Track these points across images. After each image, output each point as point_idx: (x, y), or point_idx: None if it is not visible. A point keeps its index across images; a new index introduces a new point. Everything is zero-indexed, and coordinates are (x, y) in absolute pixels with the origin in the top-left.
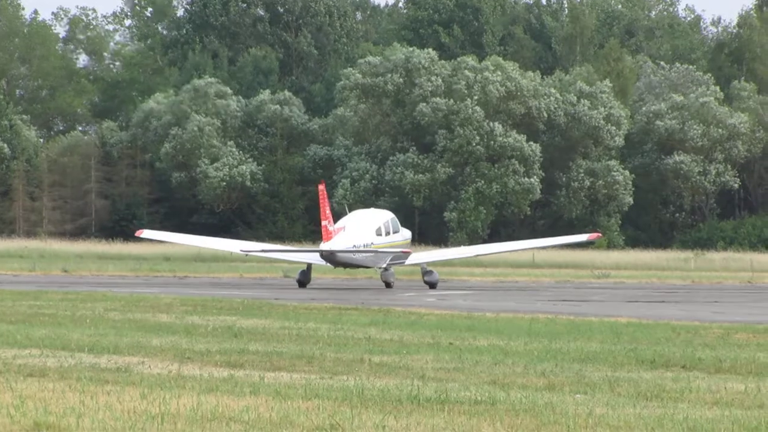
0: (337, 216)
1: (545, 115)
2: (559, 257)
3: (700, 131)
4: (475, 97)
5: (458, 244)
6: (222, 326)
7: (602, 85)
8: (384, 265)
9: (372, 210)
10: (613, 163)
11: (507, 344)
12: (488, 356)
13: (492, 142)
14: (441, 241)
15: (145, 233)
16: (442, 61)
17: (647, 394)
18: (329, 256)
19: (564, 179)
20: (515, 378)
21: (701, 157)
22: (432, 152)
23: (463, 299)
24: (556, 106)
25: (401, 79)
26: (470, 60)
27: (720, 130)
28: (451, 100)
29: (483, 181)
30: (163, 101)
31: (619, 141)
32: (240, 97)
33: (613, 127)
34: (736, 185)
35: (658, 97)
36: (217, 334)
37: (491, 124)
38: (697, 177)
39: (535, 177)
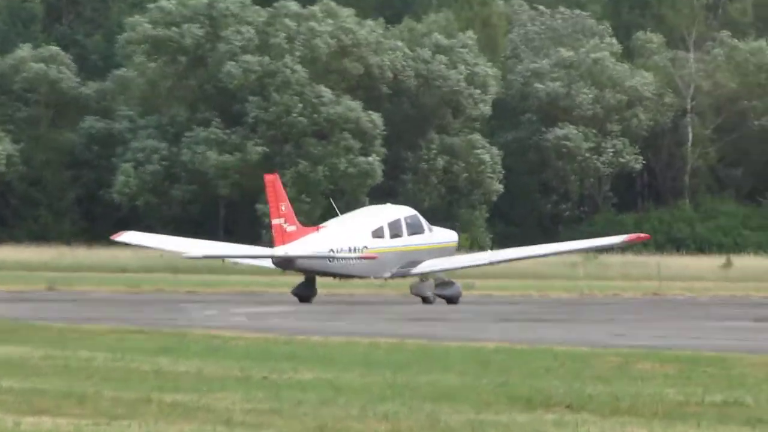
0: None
1: (390, 75)
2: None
3: (591, 96)
4: (298, 54)
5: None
6: None
7: (464, 37)
8: (388, 275)
9: (385, 206)
10: (477, 137)
11: (338, 378)
12: (314, 394)
13: (318, 113)
14: (252, 240)
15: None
16: (256, 7)
17: None
18: (283, 263)
19: (413, 159)
20: (350, 422)
21: (593, 129)
22: (242, 125)
23: (282, 318)
24: (404, 64)
25: (202, 31)
26: (292, 5)
27: (618, 95)
28: (267, 58)
29: (307, 162)
30: None
31: (486, 109)
32: None
33: (478, 91)
34: (639, 166)
35: (537, 53)
36: None
37: (319, 88)
38: (588, 156)
39: (375, 156)
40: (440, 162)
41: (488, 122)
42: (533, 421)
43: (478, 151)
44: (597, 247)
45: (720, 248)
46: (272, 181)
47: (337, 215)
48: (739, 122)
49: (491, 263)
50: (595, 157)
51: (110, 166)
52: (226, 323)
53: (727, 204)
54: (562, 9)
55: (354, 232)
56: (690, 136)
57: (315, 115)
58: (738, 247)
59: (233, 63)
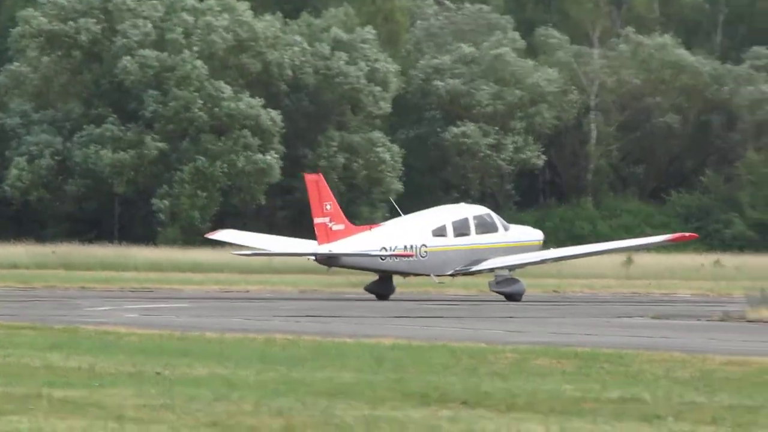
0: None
1: (289, 72)
2: (301, 259)
3: (491, 92)
4: (196, 49)
5: (171, 241)
6: None
7: (364, 32)
8: (450, 272)
9: (456, 205)
10: (377, 135)
11: (233, 374)
12: (208, 390)
13: (218, 108)
14: (148, 238)
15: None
16: (154, 1)
17: None
18: (326, 260)
19: (312, 157)
20: (243, 418)
21: (495, 127)
22: (138, 121)
23: (176, 314)
24: (303, 59)
25: (99, 26)
26: None
27: (519, 92)
28: (165, 53)
29: (206, 159)
30: None
31: (386, 106)
32: None
33: (378, 88)
34: (540, 163)
35: (440, 48)
36: None
37: (217, 83)
38: (488, 153)
39: (273, 153)
40: (340, 160)
41: (389, 120)
42: (428, 417)
43: (379, 149)
44: (644, 245)
45: None
46: (315, 180)
47: (399, 214)
48: (642, 119)
49: (543, 261)
50: (496, 154)
51: (3, 161)
52: (119, 319)
53: (630, 202)
54: (467, 4)
55: (412, 231)
56: (594, 133)
57: (216, 109)
58: None
59: (129, 58)
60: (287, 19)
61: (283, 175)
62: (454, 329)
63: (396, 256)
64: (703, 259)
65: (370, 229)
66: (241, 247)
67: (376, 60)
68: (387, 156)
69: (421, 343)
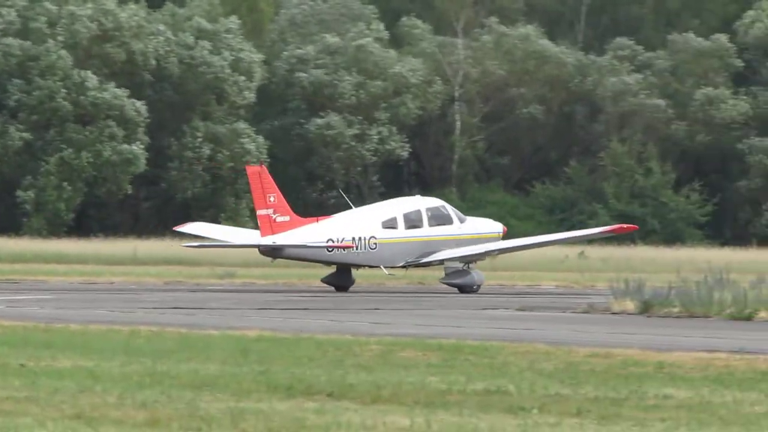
0: None
1: (153, 62)
2: (166, 250)
3: (355, 83)
4: (60, 38)
5: (35, 232)
6: None
7: (228, 22)
8: (401, 264)
9: (409, 198)
10: (242, 125)
11: (97, 366)
12: (72, 382)
13: (83, 97)
14: (13, 229)
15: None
16: None
17: (281, 430)
18: (270, 252)
19: (177, 147)
20: (107, 410)
21: (359, 117)
22: (2, 111)
23: (40, 306)
24: (167, 49)
25: None
26: None
27: (383, 82)
28: (29, 42)
29: (71, 149)
30: None
31: (250, 96)
32: None
33: (243, 78)
34: (405, 154)
35: (305, 39)
36: None
37: (82, 73)
38: (353, 144)
39: (138, 144)
40: (205, 150)
41: (253, 110)
42: (293, 409)
43: (244, 140)
44: (585, 237)
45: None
46: (258, 172)
47: (350, 207)
48: (507, 110)
49: (489, 252)
50: (360, 145)
51: None
52: None
53: (495, 193)
54: None
55: (361, 223)
56: (458, 124)
57: (81, 98)
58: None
59: None
60: (151, 9)
61: (149, 166)
62: (321, 322)
63: (335, 247)
64: (568, 251)
65: (317, 221)
66: (205, 239)
67: (240, 50)
68: (252, 147)
69: (287, 335)
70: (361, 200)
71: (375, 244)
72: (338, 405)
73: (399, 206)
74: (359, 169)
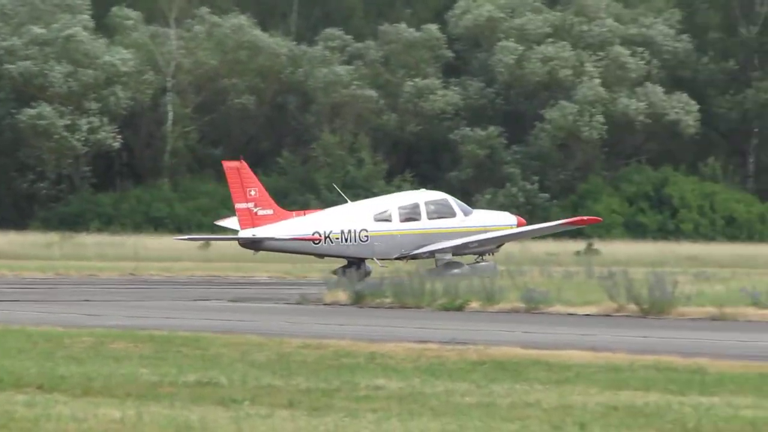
0: None
1: None
2: None
3: (65, 72)
4: None
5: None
6: None
7: None
8: (396, 256)
9: (410, 192)
10: None
11: None
12: None
13: None
14: None
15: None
16: None
17: None
18: (250, 244)
19: None
20: None
21: (70, 107)
22: None
23: None
24: None
25: None
26: None
27: (93, 72)
28: None
29: None
30: None
31: None
32: None
33: None
34: (116, 145)
35: (15, 30)
36: None
37: None
38: (64, 134)
39: None
40: None
41: None
42: (2, 402)
43: None
44: (548, 229)
45: (199, 228)
46: (236, 167)
47: (345, 201)
48: (219, 101)
49: (465, 245)
50: (71, 135)
51: None
52: None
53: (207, 183)
54: None
55: (352, 216)
56: (170, 114)
57: None
58: (218, 226)
59: None
60: None
61: None
62: (31, 313)
63: (300, 240)
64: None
65: (304, 214)
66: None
67: None
68: None
69: None
70: (72, 191)
71: (366, 236)
72: (49, 397)
73: (395, 199)
74: (70, 160)
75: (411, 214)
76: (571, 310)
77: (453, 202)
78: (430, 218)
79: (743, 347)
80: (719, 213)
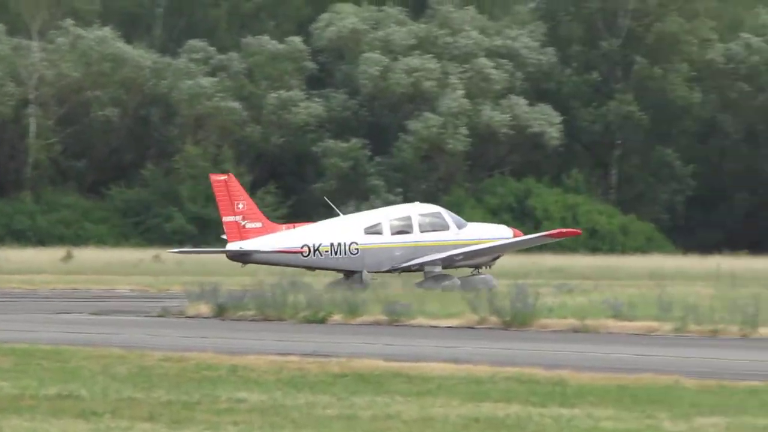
0: None
1: None
2: None
3: None
4: None
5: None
6: None
7: None
8: (386, 269)
9: (404, 205)
10: None
11: None
12: None
13: None
14: None
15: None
16: None
17: None
18: (238, 257)
19: None
20: None
21: None
22: None
23: None
24: None
25: None
26: None
27: None
28: None
29: None
30: None
31: None
32: None
33: None
34: None
35: None
36: None
37: None
38: None
39: None
40: None
41: None
42: None
43: None
44: (531, 240)
45: (62, 240)
46: (224, 181)
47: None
48: (82, 113)
49: (451, 257)
50: None
51: None
52: None
53: (69, 196)
54: None
55: (342, 229)
56: (32, 127)
57: None
58: (80, 239)
59: None
60: None
61: None
62: None
63: (288, 252)
64: (142, 254)
65: (294, 227)
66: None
67: None
68: None
69: None
70: None
71: (356, 249)
72: None
73: (387, 213)
74: None
75: (403, 227)
76: (434, 322)
77: (447, 215)
78: (422, 231)
79: (604, 359)
80: (582, 225)
